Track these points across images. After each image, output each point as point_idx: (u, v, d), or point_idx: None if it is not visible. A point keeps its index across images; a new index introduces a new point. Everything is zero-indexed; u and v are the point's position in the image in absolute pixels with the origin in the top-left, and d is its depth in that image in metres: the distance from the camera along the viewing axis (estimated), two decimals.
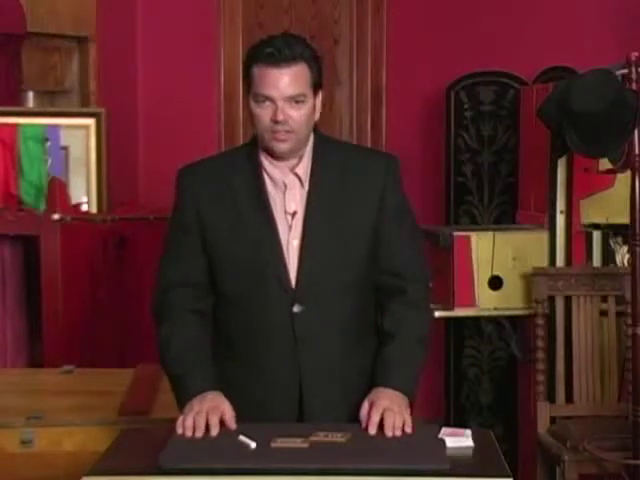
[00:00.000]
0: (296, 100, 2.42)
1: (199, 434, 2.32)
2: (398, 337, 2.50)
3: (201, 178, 2.54)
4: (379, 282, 2.58)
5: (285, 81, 2.40)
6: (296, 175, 2.51)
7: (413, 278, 2.56)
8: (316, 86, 2.47)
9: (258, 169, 2.51)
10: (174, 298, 2.54)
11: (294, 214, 2.49)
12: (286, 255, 2.48)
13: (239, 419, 2.39)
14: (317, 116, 2.51)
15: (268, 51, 2.40)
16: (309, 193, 2.50)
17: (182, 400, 2.45)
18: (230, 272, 2.51)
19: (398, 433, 2.31)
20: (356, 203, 2.51)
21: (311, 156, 2.52)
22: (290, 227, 2.49)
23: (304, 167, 2.51)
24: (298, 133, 2.45)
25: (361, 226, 2.51)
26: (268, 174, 2.51)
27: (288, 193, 2.50)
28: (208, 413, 2.35)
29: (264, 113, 2.43)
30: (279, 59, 2.39)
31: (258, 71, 2.43)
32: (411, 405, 2.46)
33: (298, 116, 2.43)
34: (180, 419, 2.37)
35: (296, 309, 2.47)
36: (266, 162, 2.51)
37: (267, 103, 2.42)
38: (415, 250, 2.60)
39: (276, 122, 2.41)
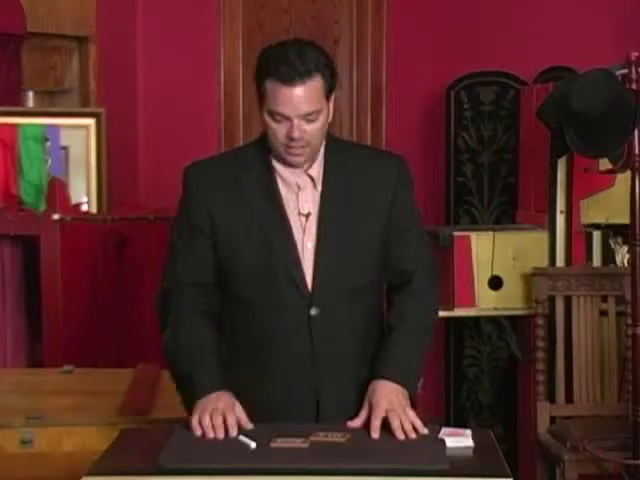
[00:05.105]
0: (311, 114, 2.40)
1: (220, 435, 2.29)
2: (398, 328, 2.50)
3: (210, 177, 2.52)
4: (388, 280, 2.59)
5: (300, 99, 2.37)
6: (309, 176, 2.50)
7: (419, 272, 2.56)
8: (330, 92, 2.44)
9: (270, 170, 2.49)
10: (180, 299, 2.51)
11: (308, 215, 2.48)
12: (301, 258, 2.47)
13: (254, 422, 2.37)
14: (330, 118, 2.48)
15: (282, 70, 2.35)
16: (322, 194, 2.49)
17: (191, 399, 2.41)
18: (244, 274, 2.48)
19: (412, 435, 2.30)
20: (368, 204, 2.51)
21: (323, 157, 2.51)
22: (304, 229, 2.48)
23: (317, 168, 2.50)
24: (313, 144, 2.44)
25: (374, 227, 2.51)
26: (280, 175, 2.49)
27: (301, 194, 2.49)
28: (225, 413, 2.33)
29: (279, 128, 2.40)
30: (293, 77, 2.35)
31: (272, 87, 2.38)
32: (413, 398, 2.46)
33: (313, 129, 2.41)
34: (195, 418, 2.33)
35: (313, 312, 2.46)
36: (278, 164, 2.49)
37: (282, 119, 2.39)
38: (423, 249, 2.61)
39: (292, 139, 2.40)
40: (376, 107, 5.12)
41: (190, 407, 2.41)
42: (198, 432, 2.32)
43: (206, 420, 2.32)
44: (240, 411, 2.37)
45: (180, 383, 2.50)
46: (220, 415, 2.33)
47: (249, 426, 2.34)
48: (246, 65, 4.83)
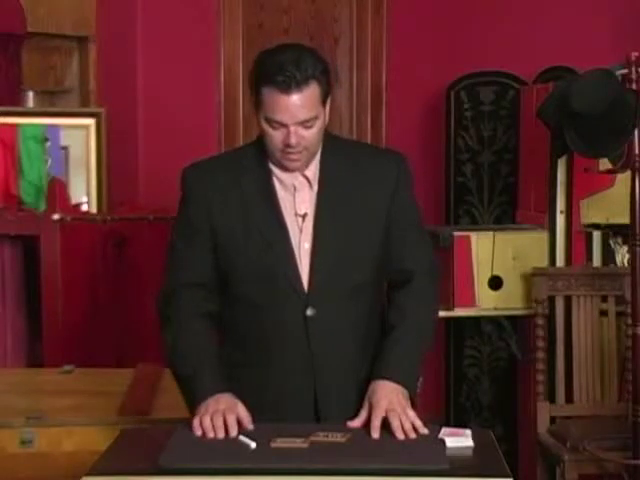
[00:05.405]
0: (308, 121, 2.40)
1: (220, 435, 2.30)
2: (398, 327, 2.50)
3: (209, 178, 2.52)
4: (388, 279, 2.59)
5: (297, 107, 2.36)
6: (305, 177, 2.50)
7: (419, 271, 2.56)
8: (326, 97, 2.44)
9: (267, 172, 2.49)
10: (181, 300, 2.51)
11: (304, 216, 2.48)
12: (298, 258, 2.47)
13: (253, 422, 2.37)
14: (326, 122, 2.48)
15: (279, 78, 2.35)
16: (318, 195, 2.49)
17: (193, 401, 2.42)
18: (243, 275, 2.49)
19: (412, 435, 2.30)
20: (367, 203, 2.50)
21: (320, 157, 2.51)
22: (301, 230, 2.48)
23: (313, 169, 2.50)
24: (310, 149, 2.45)
25: (373, 225, 2.51)
26: (277, 177, 2.50)
27: (298, 195, 2.49)
28: (225, 413, 2.33)
29: (276, 134, 2.41)
30: (290, 85, 2.35)
31: (268, 94, 2.38)
32: (413, 398, 2.46)
33: (310, 135, 2.41)
34: (196, 420, 2.34)
35: (309, 312, 2.46)
36: (274, 167, 2.50)
37: (279, 126, 2.40)
38: (423, 248, 2.61)
39: (289, 145, 2.40)
40: (376, 107, 5.12)
41: (193, 406, 2.42)
42: (199, 433, 2.32)
43: (207, 421, 2.33)
44: (242, 410, 2.37)
45: (181, 384, 2.50)
46: (221, 416, 2.33)
47: (250, 426, 2.35)
48: (246, 65, 4.83)
